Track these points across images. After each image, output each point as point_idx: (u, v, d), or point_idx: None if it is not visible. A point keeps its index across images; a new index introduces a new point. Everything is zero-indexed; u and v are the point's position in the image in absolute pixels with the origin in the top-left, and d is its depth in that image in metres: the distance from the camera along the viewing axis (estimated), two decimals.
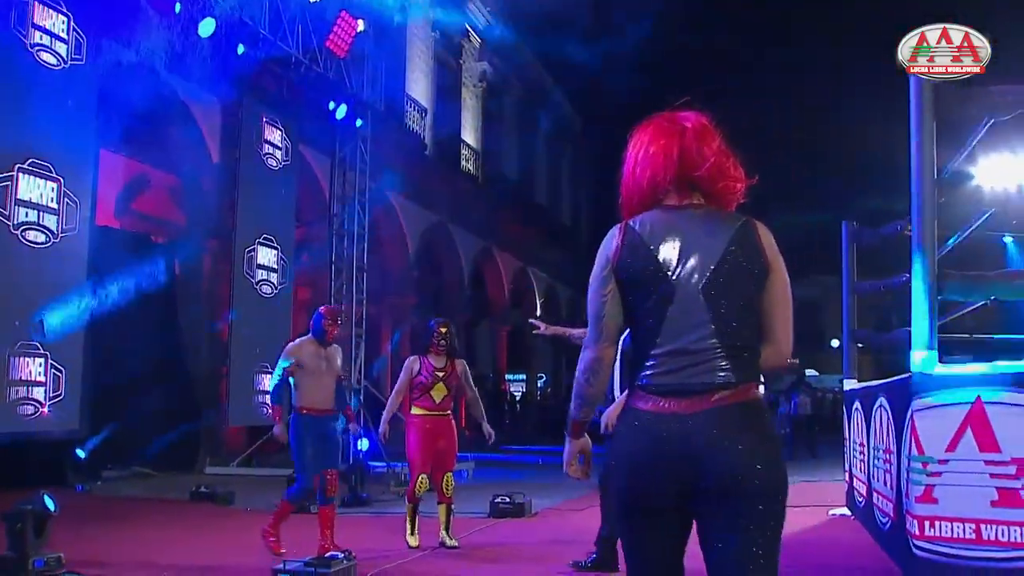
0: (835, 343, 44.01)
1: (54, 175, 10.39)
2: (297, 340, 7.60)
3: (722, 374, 2.55)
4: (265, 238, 14.80)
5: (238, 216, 14.32)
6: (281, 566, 5.87)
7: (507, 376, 31.82)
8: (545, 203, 35.11)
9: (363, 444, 15.39)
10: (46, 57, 10.40)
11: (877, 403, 7.39)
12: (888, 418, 6.85)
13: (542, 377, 35.45)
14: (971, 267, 6.67)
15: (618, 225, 2.70)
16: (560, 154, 37.91)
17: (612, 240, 2.68)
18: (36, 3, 10.23)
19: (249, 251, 14.43)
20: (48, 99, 10.38)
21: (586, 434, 2.87)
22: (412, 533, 7.86)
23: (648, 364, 2.61)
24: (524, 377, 33.86)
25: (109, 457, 13.04)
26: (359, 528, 9.32)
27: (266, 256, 14.81)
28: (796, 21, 41.31)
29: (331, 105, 15.88)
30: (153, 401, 13.56)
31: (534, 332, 7.21)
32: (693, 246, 2.60)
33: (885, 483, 6.98)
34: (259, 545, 7.85)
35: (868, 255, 10.37)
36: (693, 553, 2.63)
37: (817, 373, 40.29)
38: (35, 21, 10.22)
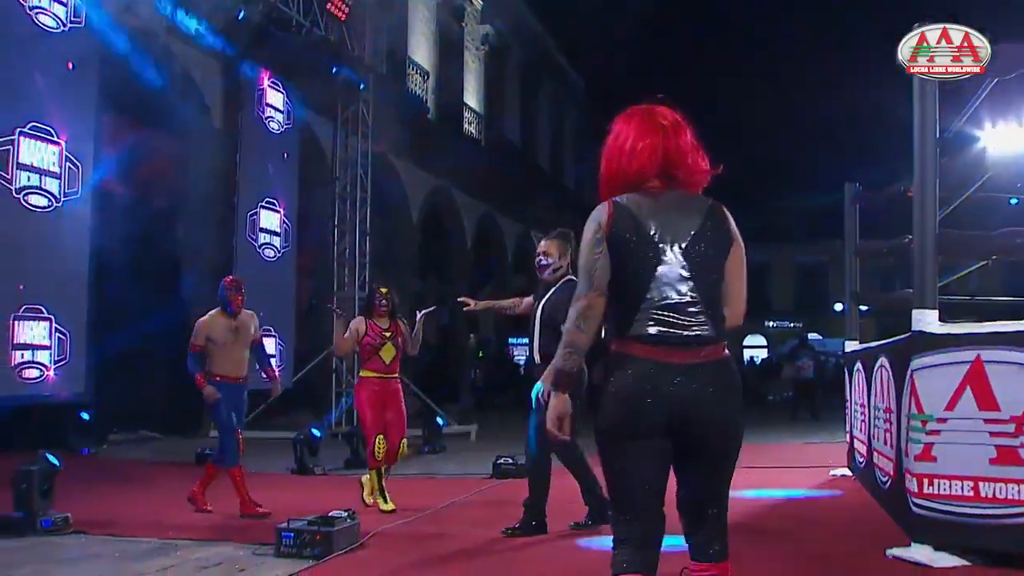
0: (838, 307, 44.00)
1: (55, 139, 10.37)
2: (207, 314, 7.84)
3: (705, 329, 3.04)
4: (268, 201, 14.79)
5: (240, 180, 14.30)
6: (285, 524, 5.91)
7: (510, 340, 31.86)
8: (548, 167, 35.00)
9: None
10: (44, 20, 10.35)
11: (878, 363, 7.40)
12: (889, 377, 6.87)
13: None
14: (977, 229, 6.66)
15: (606, 201, 3.17)
16: (563, 118, 37.74)
17: (603, 212, 3.13)
18: None
19: (252, 215, 14.42)
20: (48, 62, 10.34)
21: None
22: (385, 500, 7.80)
23: (637, 317, 3.05)
24: (528, 342, 33.82)
25: (114, 421, 13.11)
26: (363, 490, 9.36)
27: (268, 220, 14.81)
28: None
29: (333, 68, 15.83)
30: (157, 365, 13.60)
31: (465, 309, 7.34)
32: (674, 221, 3.10)
33: (885, 442, 7.01)
34: (264, 506, 7.92)
35: (873, 223, 10.34)
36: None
37: (820, 337, 40.24)
38: None
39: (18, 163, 9.88)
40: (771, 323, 53.37)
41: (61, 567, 5.66)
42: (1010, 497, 5.11)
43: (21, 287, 9.81)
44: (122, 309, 12.64)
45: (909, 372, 5.74)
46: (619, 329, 3.09)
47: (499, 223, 29.47)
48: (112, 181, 13.75)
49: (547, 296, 6.70)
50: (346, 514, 6.16)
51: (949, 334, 5.52)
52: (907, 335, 5.95)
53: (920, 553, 5.45)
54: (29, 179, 10.04)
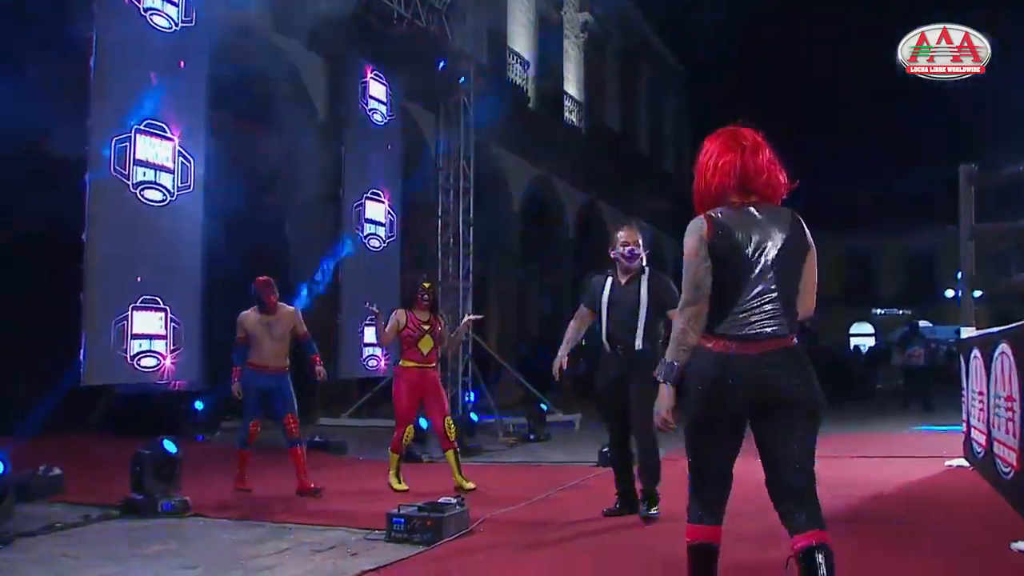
0: (949, 293, 42.72)
1: (169, 135, 10.65)
2: (245, 311, 8.64)
3: (782, 325, 3.54)
4: (372, 193, 14.96)
5: (345, 172, 14.49)
6: (396, 510, 6.00)
7: None
8: (648, 153, 34.72)
9: (470, 396, 15.63)
10: (158, 20, 10.62)
11: (998, 350, 7.17)
12: (1010, 365, 6.64)
13: None
14: None
15: (702, 216, 3.61)
16: (662, 105, 37.35)
17: (702, 226, 3.58)
18: None
19: (357, 206, 14.61)
20: (161, 62, 10.62)
21: None
22: (398, 480, 8.34)
23: (728, 316, 3.54)
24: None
25: (227, 409, 13.43)
26: (471, 475, 9.44)
27: (374, 211, 14.98)
28: None
29: (434, 59, 15.94)
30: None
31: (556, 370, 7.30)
32: (762, 232, 3.55)
33: (1007, 431, 6.78)
34: (375, 491, 8.07)
35: (986, 206, 10.00)
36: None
37: (931, 324, 39.09)
38: None
39: (135, 159, 10.17)
40: (879, 310, 52.18)
41: (184, 547, 5.84)
42: None
43: (139, 278, 10.10)
44: (233, 300, 12.92)
45: None
46: (710, 325, 3.58)
47: (600, 211, 29.34)
48: (222, 176, 14.07)
49: (646, 283, 6.88)
50: (456, 501, 6.23)
51: None
52: None
53: None
54: (145, 175, 10.31)
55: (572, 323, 7.32)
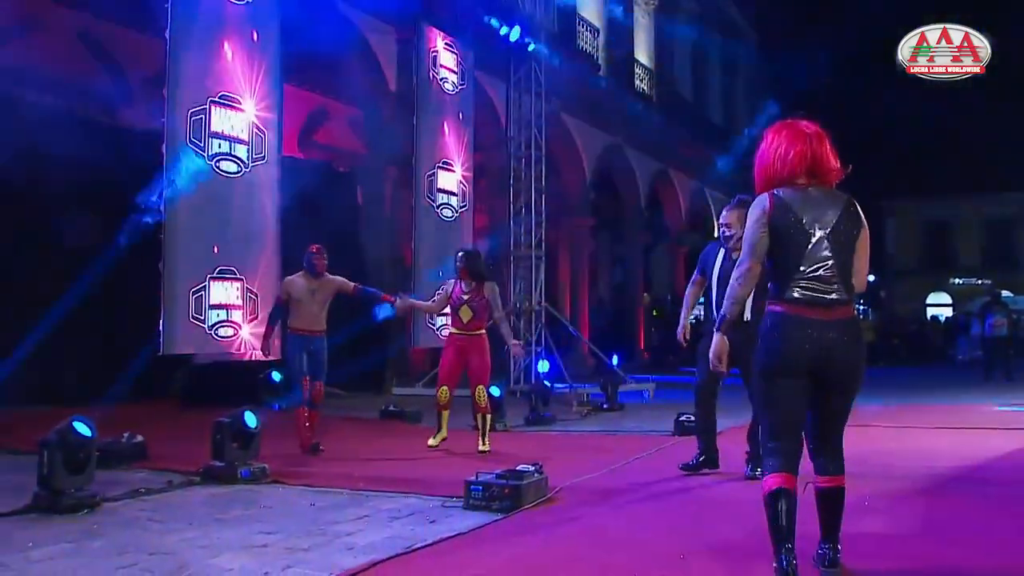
0: None
1: (242, 107, 10.72)
2: (291, 276, 8.85)
3: (840, 294, 4.04)
4: (444, 162, 14.95)
5: (417, 142, 14.48)
6: (474, 477, 5.97)
7: None
8: (720, 123, 34.23)
9: (543, 366, 15.58)
10: None
11: None
12: None
13: None
14: None
15: (766, 193, 4.13)
16: (735, 73, 36.75)
17: (764, 202, 4.11)
18: None
19: (429, 175, 14.61)
20: (234, 34, 10.68)
21: None
22: (434, 436, 8.88)
23: (791, 284, 4.04)
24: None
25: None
26: (544, 444, 9.43)
27: (446, 180, 14.97)
28: None
29: (504, 28, 15.83)
30: (340, 325, 13.97)
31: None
32: (821, 211, 4.07)
33: None
34: (451, 459, 8.07)
35: None
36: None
37: (1012, 294, 38.08)
38: None
39: (210, 131, 10.27)
40: (957, 280, 50.99)
41: (264, 513, 5.88)
42: None
43: (216, 249, 10.22)
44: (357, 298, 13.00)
45: None
46: (777, 292, 4.10)
47: (672, 180, 29.02)
48: (295, 146, 14.15)
49: (723, 262, 7.10)
50: (534, 468, 6.17)
51: None
52: None
53: None
54: (220, 146, 10.41)
55: (689, 289, 7.59)
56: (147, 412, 10.52)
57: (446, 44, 15.11)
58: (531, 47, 16.32)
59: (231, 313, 10.42)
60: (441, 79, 14.99)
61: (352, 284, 9.00)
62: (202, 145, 10.16)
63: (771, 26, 35.94)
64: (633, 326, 27.20)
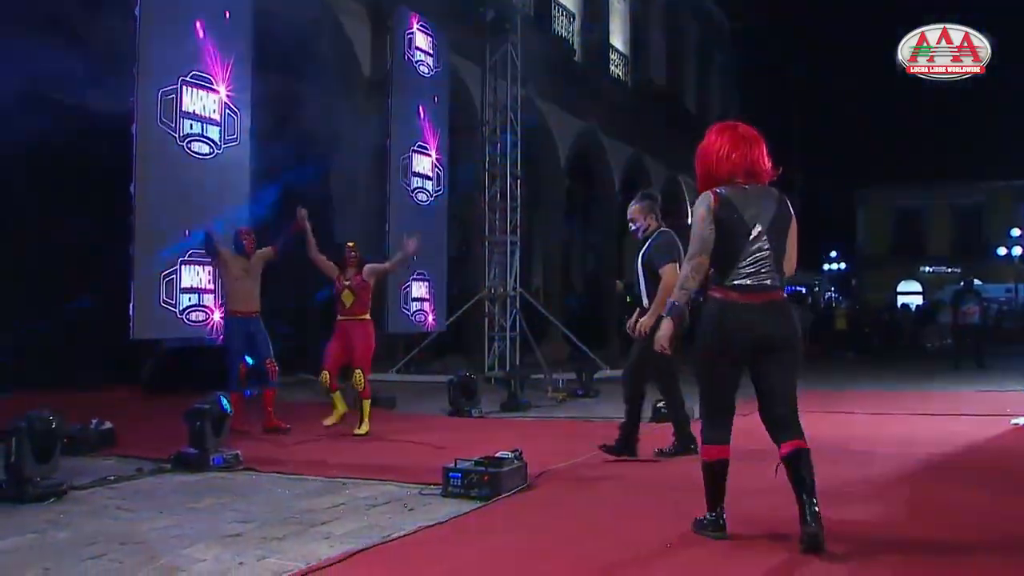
0: (1002, 251, 41.93)
1: (214, 87, 10.52)
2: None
3: (775, 280, 4.53)
4: (419, 146, 14.78)
5: (392, 124, 14.30)
6: (453, 464, 5.87)
7: None
8: (694, 110, 34.17)
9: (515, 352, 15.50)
10: None
11: None
12: None
13: None
14: None
15: (710, 191, 4.58)
16: (709, 60, 36.67)
17: (709, 199, 4.56)
18: None
19: (404, 159, 14.44)
20: (206, 12, 10.47)
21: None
22: (329, 417, 9.03)
23: (733, 272, 4.50)
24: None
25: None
26: (523, 430, 9.35)
27: (421, 164, 14.81)
28: None
29: (480, 11, 15.69)
30: (314, 309, 13.82)
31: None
32: (759, 207, 4.55)
33: None
34: (425, 447, 7.97)
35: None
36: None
37: (981, 282, 38.34)
38: None
39: (182, 111, 10.06)
40: (927, 268, 51.38)
41: (238, 501, 5.76)
42: None
43: (187, 232, 10.02)
44: (279, 256, 12.85)
45: None
46: (720, 279, 4.54)
47: (646, 166, 28.94)
48: (268, 128, 13.95)
49: (644, 248, 7.55)
50: (513, 455, 6.08)
51: None
52: None
53: None
54: (192, 127, 10.21)
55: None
56: (116, 398, 10.36)
57: (421, 26, 14.94)
58: (507, 30, 16.17)
59: (203, 297, 10.24)
60: (417, 62, 14.81)
61: (270, 247, 9.41)
62: (173, 126, 9.95)
63: (745, 16, 35.91)
64: (607, 312, 27.13)
